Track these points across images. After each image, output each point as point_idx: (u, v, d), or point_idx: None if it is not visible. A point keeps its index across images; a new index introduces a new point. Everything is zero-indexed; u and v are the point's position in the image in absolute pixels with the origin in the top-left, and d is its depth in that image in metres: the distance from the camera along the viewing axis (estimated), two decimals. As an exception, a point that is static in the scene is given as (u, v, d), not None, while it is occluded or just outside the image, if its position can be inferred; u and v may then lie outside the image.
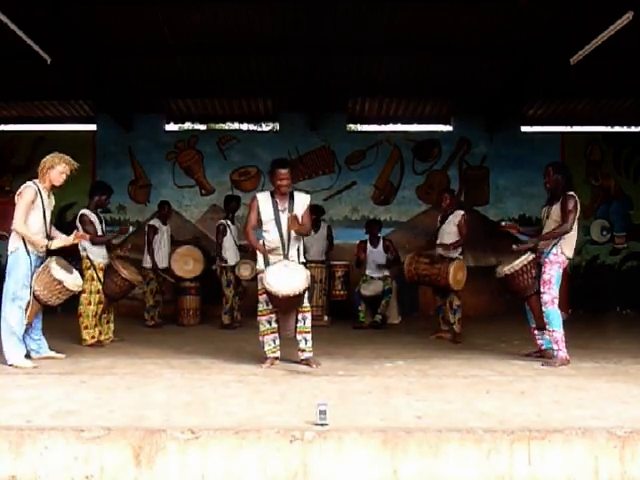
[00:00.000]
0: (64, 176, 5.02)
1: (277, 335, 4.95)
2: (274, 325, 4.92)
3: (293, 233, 4.89)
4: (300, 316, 4.88)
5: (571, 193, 5.06)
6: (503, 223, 5.65)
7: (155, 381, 4.25)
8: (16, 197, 4.93)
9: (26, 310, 4.88)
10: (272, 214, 4.88)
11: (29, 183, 4.96)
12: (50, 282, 4.94)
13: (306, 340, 4.91)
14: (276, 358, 4.96)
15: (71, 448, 2.89)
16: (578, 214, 5.08)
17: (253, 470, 2.87)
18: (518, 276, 5.13)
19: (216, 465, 2.88)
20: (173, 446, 2.89)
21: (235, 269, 7.86)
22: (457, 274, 6.39)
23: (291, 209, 4.89)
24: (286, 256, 4.86)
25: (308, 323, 4.92)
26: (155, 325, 7.87)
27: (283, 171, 4.86)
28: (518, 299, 5.37)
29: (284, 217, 4.87)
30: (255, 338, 5.21)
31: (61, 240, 5.07)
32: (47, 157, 5.01)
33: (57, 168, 4.96)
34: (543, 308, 5.02)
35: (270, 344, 4.93)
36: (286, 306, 4.77)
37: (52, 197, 5.15)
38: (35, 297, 4.92)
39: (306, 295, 4.83)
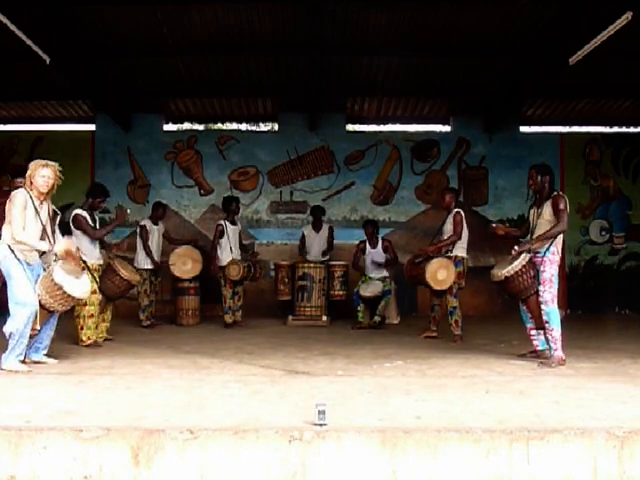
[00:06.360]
0: (49, 181, 4.80)
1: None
2: None
3: None
4: None
5: (560, 193, 5.12)
6: (494, 225, 5.73)
7: (154, 381, 4.25)
8: (7, 203, 4.77)
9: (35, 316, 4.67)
10: None
11: (20, 189, 4.79)
12: (51, 286, 4.70)
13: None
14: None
15: (70, 448, 2.89)
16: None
17: (252, 470, 2.87)
18: (518, 277, 5.12)
19: (215, 465, 2.87)
20: (172, 446, 2.89)
21: (225, 269, 7.82)
22: (437, 273, 6.33)
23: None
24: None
25: None
26: (151, 325, 7.85)
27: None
28: (517, 300, 5.37)
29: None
30: (254, 338, 5.22)
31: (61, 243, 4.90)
32: (33, 163, 4.83)
33: (40, 172, 4.76)
34: (543, 307, 5.02)
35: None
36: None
37: (47, 204, 4.94)
38: (39, 302, 4.69)
39: None
